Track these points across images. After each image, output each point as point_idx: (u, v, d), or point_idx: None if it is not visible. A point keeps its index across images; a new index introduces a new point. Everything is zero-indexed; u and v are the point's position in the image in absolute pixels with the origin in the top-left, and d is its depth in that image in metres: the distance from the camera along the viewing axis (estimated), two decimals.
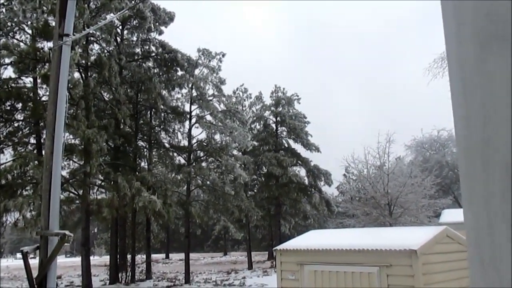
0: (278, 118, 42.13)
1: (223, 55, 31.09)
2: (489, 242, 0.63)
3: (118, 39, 27.57)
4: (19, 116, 24.32)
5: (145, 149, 29.28)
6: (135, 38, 29.02)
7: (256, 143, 40.62)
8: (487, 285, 0.64)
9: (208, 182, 29.55)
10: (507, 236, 0.61)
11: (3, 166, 22.32)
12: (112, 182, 23.40)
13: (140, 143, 29.40)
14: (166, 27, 29.09)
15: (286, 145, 42.34)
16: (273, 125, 42.54)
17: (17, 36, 23.74)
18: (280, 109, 42.14)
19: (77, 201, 24.59)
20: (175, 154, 30.62)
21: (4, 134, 23.85)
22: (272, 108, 42.27)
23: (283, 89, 42.82)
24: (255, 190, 41.99)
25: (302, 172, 41.64)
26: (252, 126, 41.76)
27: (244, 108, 40.85)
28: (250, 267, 35.30)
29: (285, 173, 38.46)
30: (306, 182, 41.07)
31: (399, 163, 30.48)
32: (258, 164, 39.70)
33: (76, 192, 24.06)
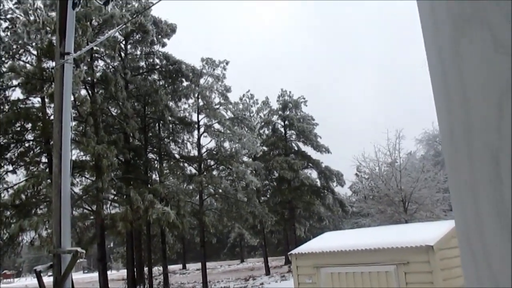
0: (286, 122, 42.07)
1: (227, 63, 31.20)
2: (479, 234, 0.61)
3: (122, 54, 27.76)
4: (30, 136, 24.55)
5: (156, 161, 29.39)
6: (139, 52, 29.21)
7: (265, 148, 40.59)
8: (480, 282, 0.61)
9: (220, 190, 29.56)
10: (496, 227, 0.59)
11: (16, 186, 22.54)
12: (124, 196, 23.50)
13: (150, 155, 29.51)
14: (168, 39, 29.25)
15: (296, 148, 42.23)
16: (282, 129, 42.48)
17: (23, 58, 24.01)
18: (288, 112, 42.09)
19: (92, 217, 24.71)
20: (185, 164, 30.68)
21: (16, 154, 24.10)
22: (280, 112, 42.23)
23: (290, 92, 42.81)
24: (268, 195, 41.89)
25: (314, 174, 41.52)
26: (261, 131, 41.74)
27: (251, 114, 40.86)
28: (267, 273, 35.18)
29: (296, 176, 38.36)
30: (318, 184, 40.91)
31: (411, 159, 30.31)
32: (269, 169, 39.62)
33: (90, 208, 24.20)
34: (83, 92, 24.06)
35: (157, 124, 29.92)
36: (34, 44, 23.08)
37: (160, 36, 28.67)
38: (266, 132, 42.89)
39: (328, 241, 11.85)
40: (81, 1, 5.44)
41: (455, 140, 0.61)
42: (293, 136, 42.47)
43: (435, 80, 0.67)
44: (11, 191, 22.87)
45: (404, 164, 25.69)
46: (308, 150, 41.94)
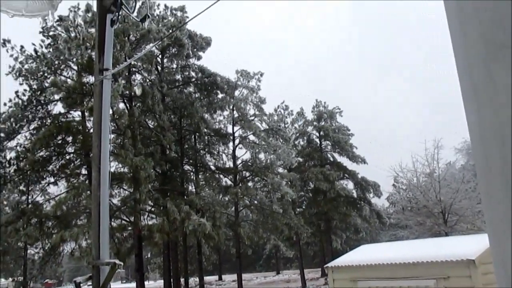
0: (321, 133, 41.80)
1: (261, 75, 31.37)
2: (510, 241, 0.60)
3: (159, 68, 28.32)
4: (70, 149, 25.28)
5: (192, 173, 29.71)
6: (175, 66, 29.73)
7: (301, 159, 40.40)
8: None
9: (255, 202, 29.59)
10: None
11: (58, 197, 23.22)
12: (161, 208, 23.82)
13: (187, 167, 29.86)
14: (203, 52, 29.68)
15: (331, 159, 41.87)
16: (317, 140, 42.22)
17: (64, 73, 24.85)
18: (323, 123, 41.82)
19: (129, 228, 25.14)
20: (221, 176, 30.87)
21: (57, 167, 24.84)
22: (315, 123, 42.02)
23: (324, 103, 42.59)
24: (303, 207, 41.60)
25: (350, 185, 41.00)
26: (296, 142, 41.61)
27: (286, 125, 40.83)
28: (303, 285, 34.83)
29: (332, 187, 37.97)
30: (355, 195, 40.38)
31: (450, 169, 29.56)
32: (305, 180, 39.39)
33: (127, 219, 24.64)
34: (121, 105, 24.67)
35: (193, 136, 30.27)
36: (74, 59, 23.85)
37: (195, 50, 29.13)
38: (301, 143, 42.72)
39: (366, 253, 11.66)
40: (119, 18, 5.58)
41: (488, 151, 0.60)
42: (329, 147, 42.13)
43: (466, 97, 0.67)
44: (52, 202, 23.59)
45: (443, 175, 25.10)
46: (344, 160, 41.51)
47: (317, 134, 42.15)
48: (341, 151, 41.42)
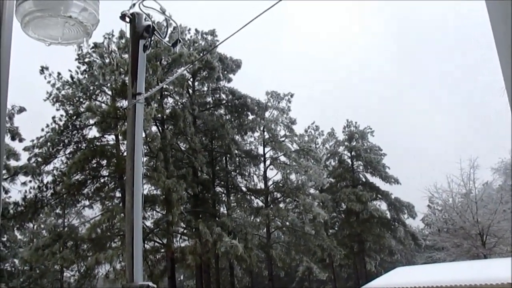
0: (353, 153, 41.38)
1: (291, 96, 31.44)
2: None
3: (190, 91, 28.75)
4: (105, 172, 25.78)
5: (223, 195, 29.77)
6: (205, 88, 30.15)
7: (332, 180, 40.00)
8: None
9: (287, 223, 29.36)
10: None
11: (93, 220, 23.62)
12: (194, 230, 23.91)
13: (218, 189, 29.96)
14: (234, 74, 30.02)
15: (363, 180, 41.30)
16: (348, 160, 41.79)
17: (99, 98, 25.51)
18: (354, 143, 41.43)
19: (162, 250, 25.28)
20: (252, 197, 30.83)
21: (92, 190, 25.33)
22: (346, 143, 41.66)
23: (356, 123, 42.27)
24: (336, 228, 41.03)
25: (383, 206, 40.24)
26: (327, 163, 41.27)
27: (317, 146, 40.62)
28: None
29: (365, 208, 37.36)
30: (388, 216, 39.59)
31: (487, 189, 28.71)
32: (337, 201, 38.91)
33: (160, 242, 24.80)
34: (154, 128, 25.09)
35: (224, 158, 30.44)
36: (108, 84, 24.50)
37: (226, 72, 29.47)
38: (333, 163, 42.35)
39: (401, 276, 11.38)
40: (152, 43, 5.71)
41: None
42: (360, 167, 41.62)
43: None
44: (88, 225, 24.00)
45: (480, 195, 24.41)
46: (377, 181, 40.86)
47: (349, 154, 41.74)
48: (373, 171, 40.84)
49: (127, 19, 5.79)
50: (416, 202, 40.20)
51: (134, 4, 5.78)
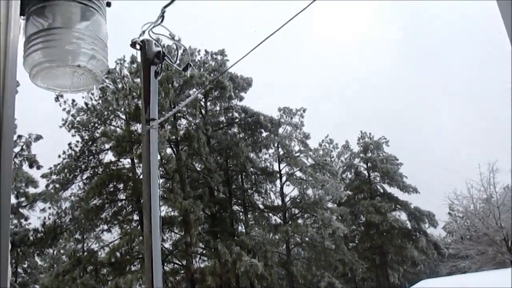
0: (369, 164, 41.10)
1: (304, 111, 31.42)
2: None
3: (203, 111, 28.91)
4: (122, 196, 25.94)
5: (241, 213, 29.70)
6: (218, 108, 30.30)
7: (350, 193, 39.70)
8: None
9: (306, 239, 29.16)
10: None
11: (111, 244, 23.70)
12: (212, 250, 23.83)
13: (235, 207, 29.89)
14: (245, 92, 30.16)
15: (381, 191, 40.91)
16: (365, 172, 41.49)
17: (113, 123, 25.82)
18: (370, 154, 41.19)
19: (182, 272, 25.21)
20: (270, 214, 30.69)
21: (110, 214, 25.49)
22: (361, 155, 41.42)
23: (370, 134, 42.06)
24: (356, 241, 40.58)
25: (403, 216, 39.76)
26: (343, 175, 41.03)
27: (332, 159, 40.45)
28: None
29: (384, 219, 36.94)
30: (409, 226, 39.11)
31: (509, 193, 28.23)
32: (356, 214, 38.58)
33: (180, 263, 24.75)
34: (168, 150, 25.22)
35: (240, 176, 30.41)
36: (122, 109, 24.78)
37: (237, 91, 29.62)
38: (349, 176, 42.10)
39: None
40: (162, 70, 5.77)
41: None
42: (377, 178, 41.28)
43: None
44: (107, 249, 24.09)
45: (501, 200, 23.97)
46: (395, 191, 40.45)
47: (365, 166, 41.46)
48: (390, 181, 40.47)
49: (137, 47, 5.87)
50: (436, 210, 39.56)
51: (144, 32, 5.86)
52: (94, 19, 1.29)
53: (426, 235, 38.32)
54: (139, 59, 6.30)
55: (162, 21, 5.44)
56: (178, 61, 6.06)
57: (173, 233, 26.56)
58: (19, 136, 25.47)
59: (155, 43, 5.95)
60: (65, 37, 1.23)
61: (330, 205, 33.02)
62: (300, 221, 30.61)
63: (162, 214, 24.11)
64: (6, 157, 0.75)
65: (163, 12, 5.47)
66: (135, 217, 25.28)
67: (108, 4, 1.38)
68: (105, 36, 1.32)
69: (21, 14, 1.26)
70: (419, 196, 40.34)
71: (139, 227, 23.63)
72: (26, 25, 1.22)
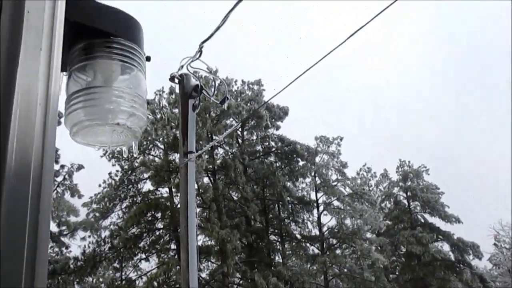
0: (408, 193, 40.19)
1: (341, 139, 31.23)
2: None
3: (240, 140, 29.12)
4: (160, 225, 26.19)
5: (278, 243, 29.44)
6: (254, 137, 30.44)
7: (389, 222, 38.81)
8: None
9: (345, 270, 28.51)
10: None
11: (149, 273, 23.84)
12: (249, 280, 23.60)
13: (272, 237, 29.66)
14: (282, 121, 30.26)
15: (422, 221, 39.79)
16: (405, 201, 40.55)
17: (152, 152, 26.31)
18: (409, 183, 40.31)
19: None
20: (307, 244, 30.29)
21: (148, 243, 25.72)
22: (401, 184, 40.59)
23: (409, 162, 41.26)
24: (397, 273, 39.41)
25: (446, 247, 38.45)
26: (382, 205, 40.22)
27: (370, 188, 39.79)
28: None
29: (426, 250, 35.84)
30: (452, 257, 37.74)
31: None
32: (395, 245, 37.60)
33: None
34: (206, 179, 25.44)
35: (276, 205, 30.26)
36: (161, 139, 25.26)
37: (273, 120, 29.76)
38: (388, 205, 41.23)
39: None
40: (200, 104, 5.86)
41: None
42: (418, 208, 40.24)
43: None
44: (144, 278, 24.24)
45: None
46: (436, 221, 39.28)
47: (404, 195, 40.56)
48: (432, 211, 39.38)
49: (176, 80, 6.01)
50: (481, 241, 38.14)
51: (182, 66, 6.00)
52: (134, 74, 1.32)
53: (470, 267, 36.89)
54: (177, 90, 6.43)
55: (200, 55, 5.56)
56: (215, 91, 6.16)
57: (210, 263, 26.50)
58: (62, 166, 26.22)
59: (193, 77, 6.08)
60: (106, 96, 1.26)
61: (369, 235, 32.34)
62: (338, 251, 30.06)
63: (199, 243, 24.15)
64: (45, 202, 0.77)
65: (201, 47, 5.59)
66: (173, 246, 25.42)
67: (148, 59, 1.41)
68: (145, 92, 1.35)
69: (64, 70, 1.30)
70: (462, 226, 39.05)
71: (176, 256, 23.71)
72: (68, 82, 1.27)
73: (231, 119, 26.73)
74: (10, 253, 0.70)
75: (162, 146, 25.85)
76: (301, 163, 30.12)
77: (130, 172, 26.43)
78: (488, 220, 42.11)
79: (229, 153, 27.40)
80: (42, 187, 0.71)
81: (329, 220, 31.23)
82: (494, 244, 34.99)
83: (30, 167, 0.71)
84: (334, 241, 30.25)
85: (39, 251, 0.73)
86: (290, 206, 30.05)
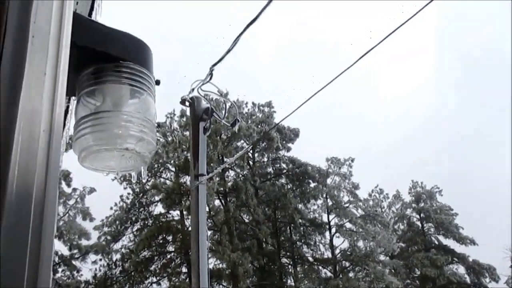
0: (422, 215, 39.66)
1: (352, 160, 31.06)
2: None
3: (251, 163, 29.07)
4: (171, 248, 26.04)
5: (290, 266, 29.09)
6: (265, 159, 30.41)
7: (403, 245, 38.23)
8: None
9: None
10: None
11: None
12: None
13: (284, 260, 29.34)
14: (292, 143, 30.21)
15: (436, 243, 39.17)
16: (418, 223, 39.99)
17: (163, 175, 26.33)
18: (422, 204, 39.82)
19: None
20: (320, 267, 29.89)
21: (159, 266, 25.55)
22: (414, 205, 40.09)
23: (422, 183, 40.85)
24: None
25: (461, 269, 37.72)
26: (395, 226, 39.67)
27: (383, 210, 39.34)
28: None
29: (441, 273, 35.16)
30: (468, 280, 36.97)
31: None
32: (410, 267, 36.93)
33: None
34: (217, 202, 25.34)
35: (288, 228, 30.00)
36: (172, 161, 25.30)
37: (284, 142, 29.72)
38: (401, 227, 40.67)
39: None
40: (211, 126, 5.86)
41: None
42: (432, 229, 39.64)
43: None
44: None
45: None
46: (451, 243, 38.63)
47: (418, 217, 40.02)
48: (446, 233, 38.76)
49: (187, 104, 6.01)
50: (497, 263, 37.37)
51: (193, 89, 6.01)
52: (143, 99, 1.30)
53: None
54: (188, 113, 6.43)
55: (210, 79, 5.57)
56: (226, 114, 6.17)
57: (221, 286, 26.22)
58: (74, 189, 26.30)
59: (203, 99, 6.09)
60: (114, 121, 1.24)
61: (382, 257, 31.87)
62: (351, 274, 29.61)
63: (210, 266, 23.95)
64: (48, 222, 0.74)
65: (211, 70, 5.60)
66: (184, 270, 25.22)
67: (158, 83, 1.39)
68: (154, 116, 1.32)
69: (73, 94, 1.28)
70: (477, 248, 38.33)
71: (187, 280, 23.51)
72: (77, 106, 1.25)
73: (242, 141, 26.74)
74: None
75: (173, 169, 25.88)
76: (312, 184, 29.97)
77: (141, 195, 26.45)
78: (504, 242, 41.30)
79: (240, 175, 27.34)
80: (44, 218, 0.68)
81: (341, 243, 30.86)
82: (511, 266, 34.27)
83: (32, 198, 0.68)
84: (347, 264, 29.83)
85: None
86: (302, 228, 29.78)
